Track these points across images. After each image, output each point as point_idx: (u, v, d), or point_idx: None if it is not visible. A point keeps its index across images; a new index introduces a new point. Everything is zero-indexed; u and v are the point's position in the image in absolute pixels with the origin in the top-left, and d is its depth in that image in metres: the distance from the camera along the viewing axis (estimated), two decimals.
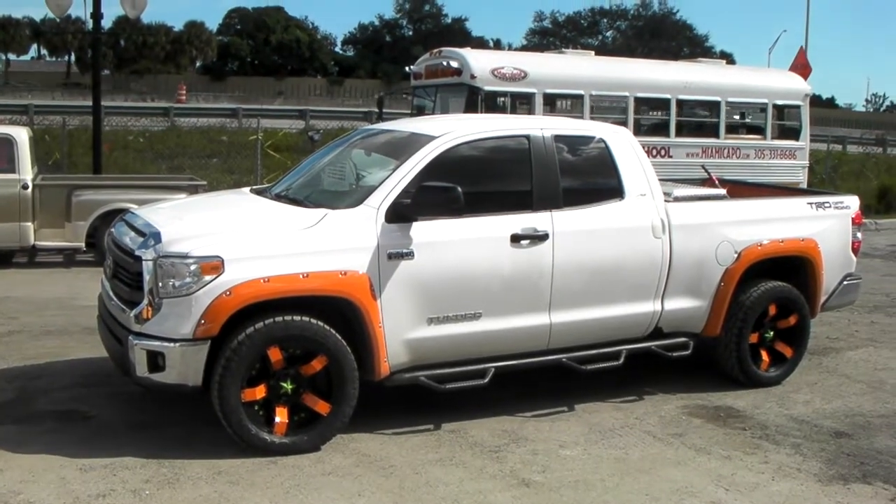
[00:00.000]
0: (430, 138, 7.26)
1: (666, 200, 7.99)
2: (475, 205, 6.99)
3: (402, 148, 7.40)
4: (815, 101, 19.93)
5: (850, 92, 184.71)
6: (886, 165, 31.00)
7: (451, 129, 7.41)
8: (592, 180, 7.84)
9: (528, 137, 7.54)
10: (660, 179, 8.09)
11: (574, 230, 7.41)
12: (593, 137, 7.94)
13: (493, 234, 7.12)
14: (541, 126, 7.74)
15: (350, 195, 7.29)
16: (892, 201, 23.79)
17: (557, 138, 7.64)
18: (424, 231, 6.83)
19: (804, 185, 18.77)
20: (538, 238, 7.24)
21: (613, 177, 7.78)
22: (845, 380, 8.94)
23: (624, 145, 7.94)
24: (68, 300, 11.20)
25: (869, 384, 8.81)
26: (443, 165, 7.07)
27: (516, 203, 7.34)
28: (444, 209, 6.81)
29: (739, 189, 10.23)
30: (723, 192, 9.34)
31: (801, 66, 25.97)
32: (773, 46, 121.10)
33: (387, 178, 6.98)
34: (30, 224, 13.35)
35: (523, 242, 7.19)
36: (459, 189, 6.71)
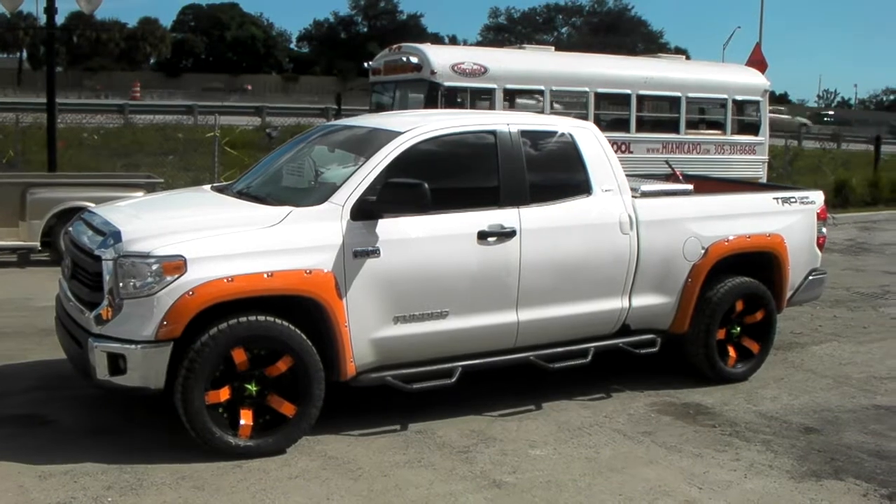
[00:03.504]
0: (396, 134, 7.15)
1: (633, 196, 7.93)
2: (442, 201, 6.87)
3: (366, 144, 7.27)
4: (770, 96, 20.04)
5: (803, 88, 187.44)
6: (842, 160, 31.25)
7: (416, 125, 7.30)
8: (559, 176, 7.75)
9: (494, 133, 7.45)
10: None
11: (541, 227, 7.33)
12: (560, 133, 7.85)
13: (460, 231, 7.02)
14: (507, 121, 7.64)
15: (314, 192, 7.14)
16: (849, 196, 23.94)
17: (524, 133, 7.55)
18: (390, 228, 6.72)
19: (764, 180, 18.85)
20: (505, 235, 7.14)
21: (580, 172, 7.71)
22: (811, 375, 8.94)
23: (591, 140, 7.86)
24: (24, 301, 10.95)
25: (835, 379, 8.82)
26: (408, 161, 6.95)
27: (483, 199, 7.24)
28: (411, 206, 6.70)
29: (704, 184, 10.20)
30: (690, 187, 9.30)
31: (758, 62, 26.14)
32: (727, 42, 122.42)
33: (352, 174, 6.86)
34: None
35: (490, 239, 7.09)
36: (426, 185, 6.60)
